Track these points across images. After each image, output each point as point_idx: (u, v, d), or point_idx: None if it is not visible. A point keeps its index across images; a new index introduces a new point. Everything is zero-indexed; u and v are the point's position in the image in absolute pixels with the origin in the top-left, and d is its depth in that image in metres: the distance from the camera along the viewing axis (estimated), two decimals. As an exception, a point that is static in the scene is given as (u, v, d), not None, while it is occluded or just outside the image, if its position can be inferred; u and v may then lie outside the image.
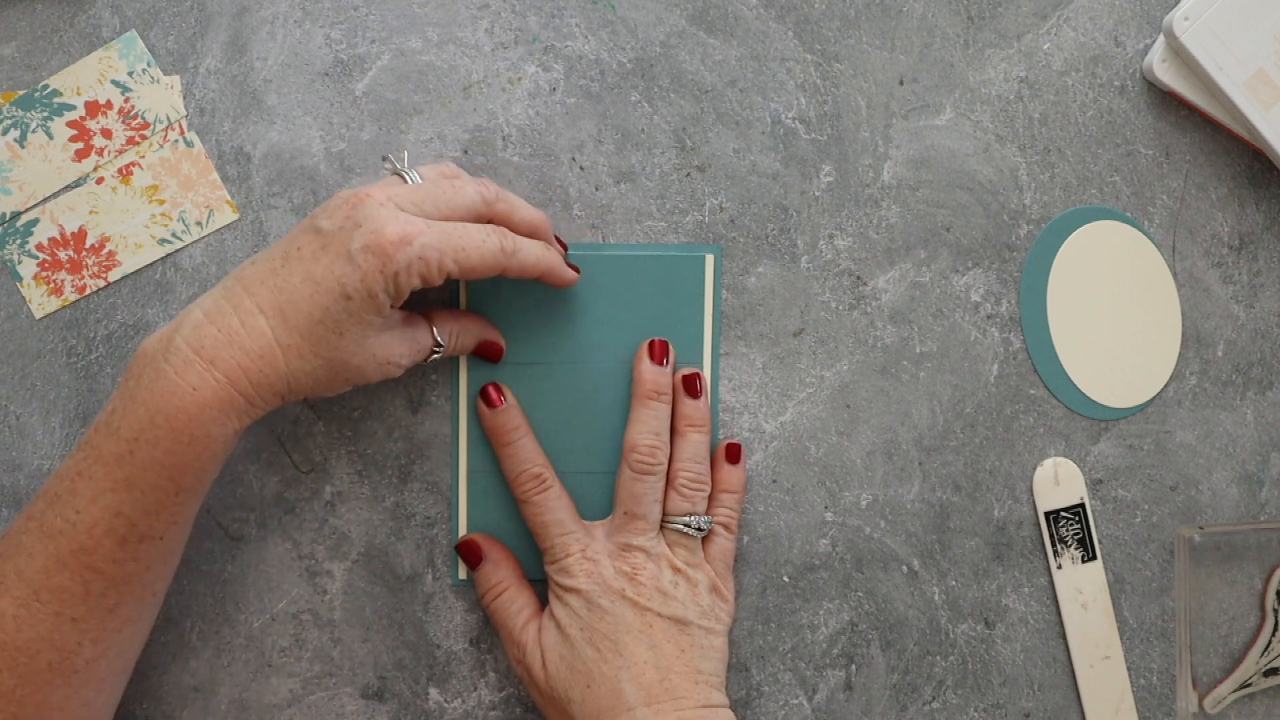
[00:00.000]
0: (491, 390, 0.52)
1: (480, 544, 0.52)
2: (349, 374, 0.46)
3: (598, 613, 0.49)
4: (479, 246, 0.46)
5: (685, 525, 0.51)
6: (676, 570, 0.50)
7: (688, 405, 0.52)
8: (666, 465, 0.51)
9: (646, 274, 0.53)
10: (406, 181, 0.48)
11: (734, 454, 0.54)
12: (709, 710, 0.48)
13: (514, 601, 0.51)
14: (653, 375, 0.52)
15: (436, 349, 0.49)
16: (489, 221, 0.48)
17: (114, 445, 0.44)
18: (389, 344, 0.47)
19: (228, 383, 0.44)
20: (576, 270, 0.51)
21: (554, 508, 0.51)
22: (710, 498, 0.53)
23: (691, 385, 0.52)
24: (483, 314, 0.53)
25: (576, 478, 0.53)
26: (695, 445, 0.52)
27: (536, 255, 0.48)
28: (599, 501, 0.53)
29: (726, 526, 0.53)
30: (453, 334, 0.50)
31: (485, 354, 0.53)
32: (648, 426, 0.51)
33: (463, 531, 0.54)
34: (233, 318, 0.44)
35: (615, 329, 0.53)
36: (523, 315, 0.53)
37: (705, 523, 0.51)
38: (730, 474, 0.53)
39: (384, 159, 0.50)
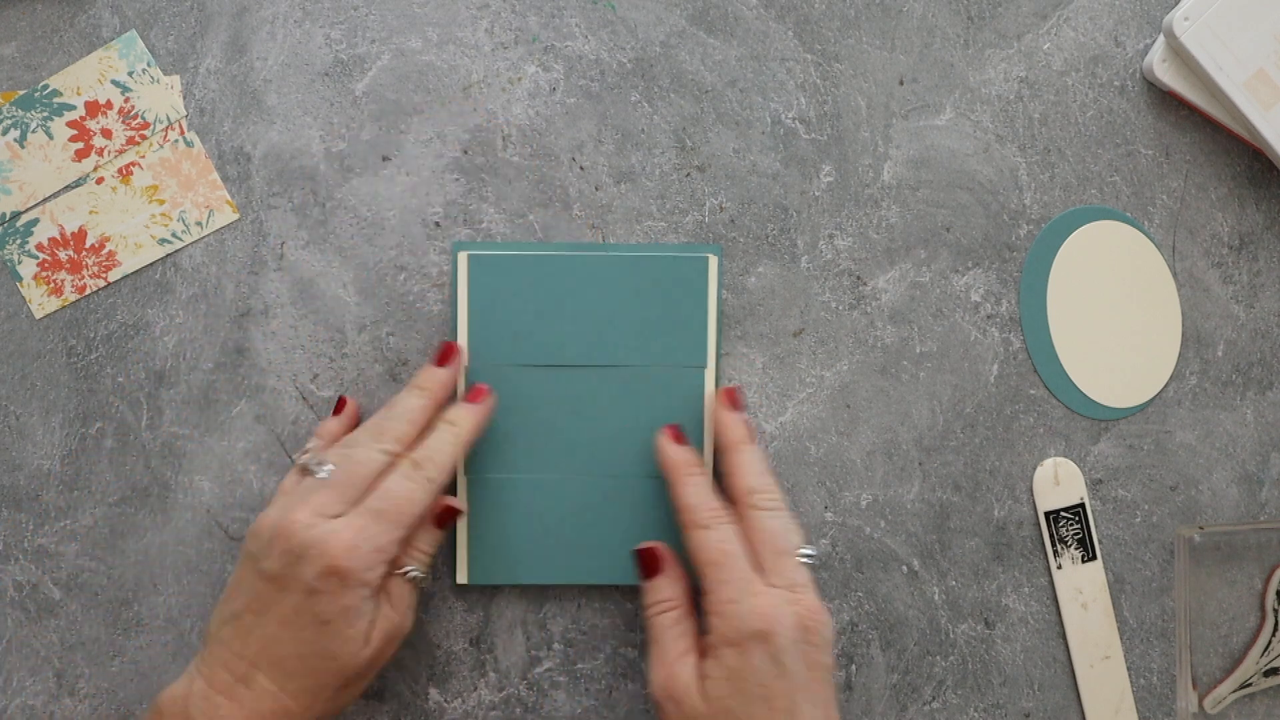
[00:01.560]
0: (671, 432, 0.52)
1: (663, 555, 0.51)
2: (366, 676, 0.48)
3: (778, 669, 0.46)
4: (411, 499, 0.47)
5: (809, 558, 0.49)
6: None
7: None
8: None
9: (649, 274, 0.53)
10: (313, 473, 0.48)
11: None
12: None
13: (679, 624, 0.49)
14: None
15: (417, 577, 0.49)
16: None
17: None
18: (380, 629, 0.47)
19: None
20: (482, 395, 0.52)
21: (736, 541, 0.48)
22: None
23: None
24: (483, 320, 0.53)
25: (581, 480, 0.53)
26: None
27: (449, 453, 0.49)
28: (605, 505, 0.53)
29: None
30: (412, 554, 0.49)
31: (447, 522, 0.51)
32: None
33: (462, 533, 0.53)
34: (239, 686, 0.45)
35: (618, 329, 0.53)
36: (525, 316, 0.53)
37: (814, 551, 0.50)
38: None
39: (298, 455, 0.50)
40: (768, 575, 0.47)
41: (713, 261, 0.53)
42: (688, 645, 0.48)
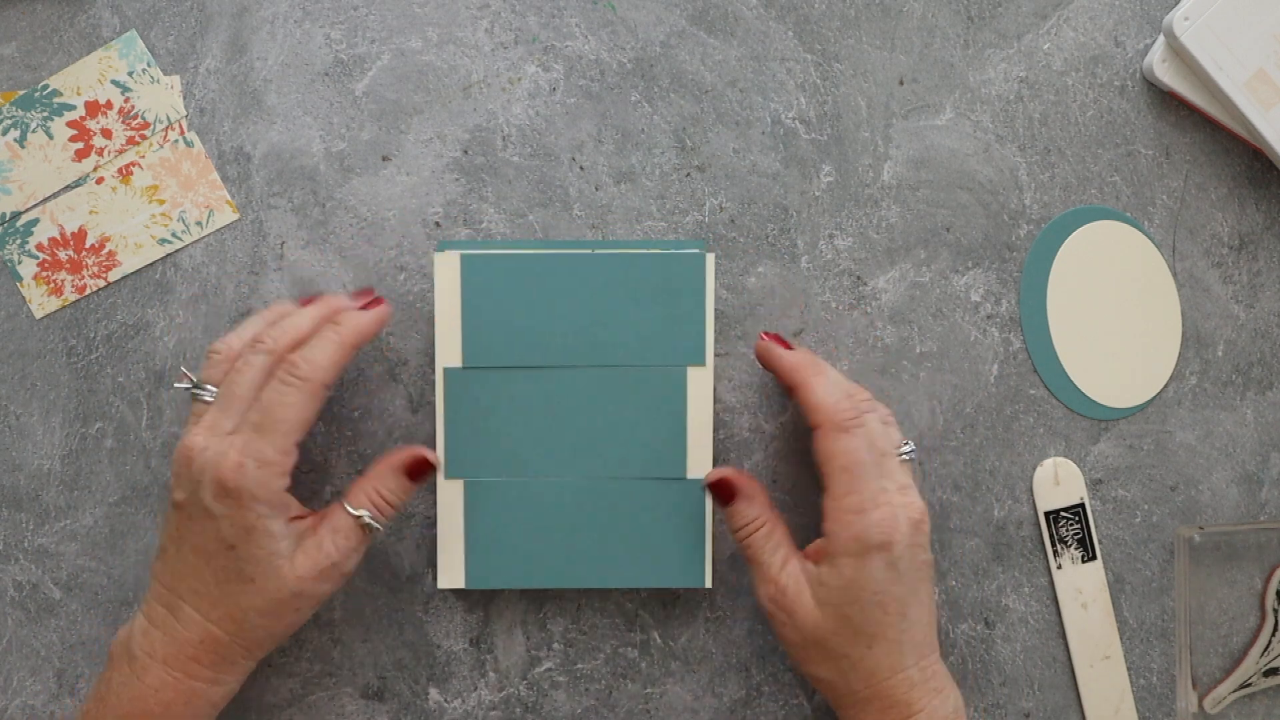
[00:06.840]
0: (771, 337, 0.51)
1: (734, 480, 0.50)
2: (295, 605, 0.47)
3: (894, 575, 0.46)
4: (285, 404, 0.45)
5: (909, 454, 0.49)
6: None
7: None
8: None
9: (645, 273, 0.52)
10: (205, 398, 0.48)
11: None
12: (939, 659, 0.49)
13: (770, 538, 0.49)
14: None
15: (370, 524, 0.48)
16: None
17: None
18: (309, 557, 0.47)
19: (185, 676, 0.46)
20: (377, 304, 0.50)
21: (866, 450, 0.48)
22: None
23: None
24: (480, 320, 0.52)
25: (578, 483, 0.53)
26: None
27: (327, 352, 0.47)
28: (602, 507, 0.53)
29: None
30: (371, 497, 0.48)
31: (420, 474, 0.50)
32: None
33: (459, 537, 0.53)
34: (169, 617, 0.47)
35: (614, 329, 0.53)
36: (519, 317, 0.52)
37: (912, 446, 0.50)
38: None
39: (176, 383, 0.51)
40: (878, 479, 0.48)
41: (710, 259, 0.53)
42: (786, 553, 0.49)
